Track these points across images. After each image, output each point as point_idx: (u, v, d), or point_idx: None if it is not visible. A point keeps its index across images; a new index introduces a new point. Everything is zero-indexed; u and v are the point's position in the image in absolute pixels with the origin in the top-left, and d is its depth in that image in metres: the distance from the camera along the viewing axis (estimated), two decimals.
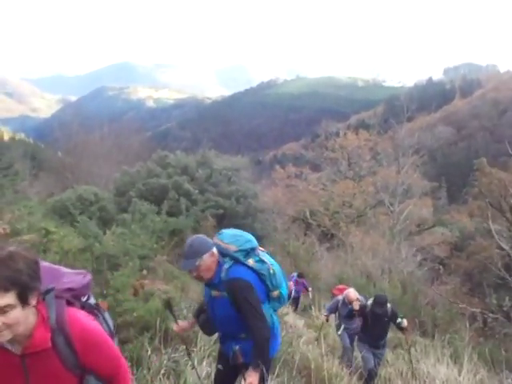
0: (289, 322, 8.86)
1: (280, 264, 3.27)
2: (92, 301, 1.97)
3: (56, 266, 1.93)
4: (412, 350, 6.92)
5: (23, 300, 1.54)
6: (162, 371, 3.98)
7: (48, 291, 1.69)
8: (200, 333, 4.45)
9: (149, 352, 4.25)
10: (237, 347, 2.99)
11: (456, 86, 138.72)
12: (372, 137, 35.39)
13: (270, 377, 4.45)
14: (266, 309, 3.05)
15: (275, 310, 3.22)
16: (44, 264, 1.76)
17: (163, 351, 4.29)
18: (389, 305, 6.40)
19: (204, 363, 4.37)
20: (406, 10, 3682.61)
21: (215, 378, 3.46)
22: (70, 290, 1.81)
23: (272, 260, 3.20)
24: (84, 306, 1.88)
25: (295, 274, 13.31)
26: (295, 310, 12.75)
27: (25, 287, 1.53)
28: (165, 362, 4.16)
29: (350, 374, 5.82)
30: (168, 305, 3.47)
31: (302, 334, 8.13)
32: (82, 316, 1.77)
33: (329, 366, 5.76)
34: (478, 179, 28.85)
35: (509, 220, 21.11)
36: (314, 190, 33.66)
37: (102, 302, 2.05)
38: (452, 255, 27.25)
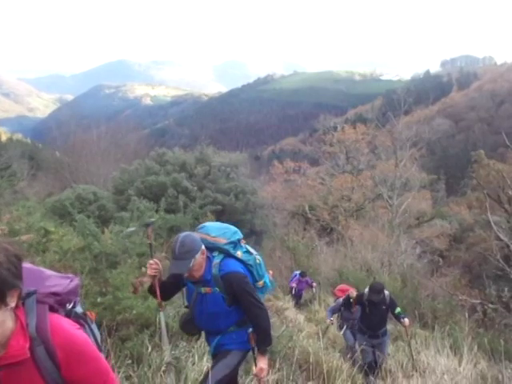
0: (289, 317, 8.90)
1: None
2: (79, 309, 1.78)
3: (39, 268, 1.74)
4: (412, 341, 6.94)
5: (0, 298, 1.35)
6: (163, 368, 3.99)
7: (29, 295, 1.49)
8: None
9: (149, 349, 4.27)
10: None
11: (453, 79, 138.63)
12: (370, 130, 35.35)
13: (271, 370, 4.50)
14: None
15: None
16: (26, 265, 1.56)
17: (163, 348, 4.30)
18: (387, 292, 6.33)
19: (205, 359, 4.39)
20: (402, 3, 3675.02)
21: (205, 373, 3.38)
22: (54, 294, 1.61)
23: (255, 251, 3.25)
24: (69, 314, 1.68)
25: (297, 273, 12.95)
26: (296, 305, 12.59)
27: (2, 282, 1.33)
28: (165, 358, 4.17)
29: (350, 367, 5.83)
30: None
31: (303, 328, 8.17)
32: (66, 324, 1.56)
33: (329, 359, 5.79)
34: (476, 171, 28.97)
35: (507, 211, 21.17)
36: (312, 185, 33.69)
37: (90, 311, 1.86)
38: (451, 247, 27.37)
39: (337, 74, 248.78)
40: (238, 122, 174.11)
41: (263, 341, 2.99)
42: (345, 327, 7.65)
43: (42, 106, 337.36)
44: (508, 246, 14.21)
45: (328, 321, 7.70)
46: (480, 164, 29.00)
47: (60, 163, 32.97)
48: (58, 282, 1.68)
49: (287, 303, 10.95)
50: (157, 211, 11.10)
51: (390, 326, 6.91)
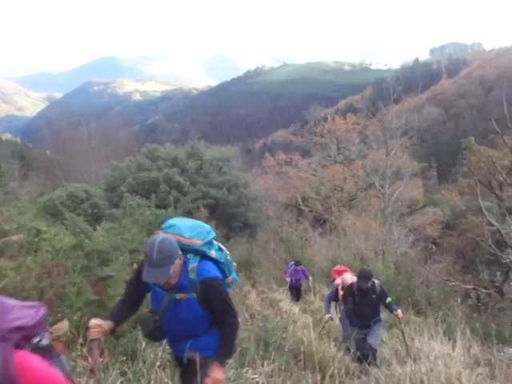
0: (284, 308, 8.95)
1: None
2: (45, 341, 1.58)
3: (0, 298, 1.50)
4: (406, 328, 6.98)
5: None
6: (158, 363, 4.01)
7: None
8: None
9: (143, 345, 4.28)
10: (190, 345, 2.89)
11: (442, 66, 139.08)
12: (360, 120, 35.44)
13: (265, 362, 4.52)
14: None
15: None
16: None
17: (157, 343, 4.32)
18: (376, 281, 6.22)
19: None
20: None
21: (180, 379, 3.27)
22: (18, 329, 1.42)
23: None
24: (36, 349, 1.50)
25: (292, 263, 12.78)
26: (295, 299, 12.17)
27: None
28: (160, 354, 4.19)
29: (344, 355, 5.88)
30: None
31: (298, 319, 8.21)
32: (35, 363, 1.40)
33: (323, 348, 5.83)
34: (466, 158, 29.14)
35: (498, 196, 21.36)
36: (304, 176, 33.80)
37: (57, 342, 1.74)
38: (444, 234, 27.52)
39: (326, 65, 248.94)
40: (229, 116, 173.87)
41: (226, 351, 2.78)
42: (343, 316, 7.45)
43: (30, 104, 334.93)
44: (499, 231, 14.31)
45: (326, 317, 7.17)
46: (470, 150, 29.16)
47: (51, 162, 32.83)
48: (22, 313, 1.49)
49: (281, 294, 10.98)
50: (149, 207, 11.11)
51: (384, 315, 6.91)
